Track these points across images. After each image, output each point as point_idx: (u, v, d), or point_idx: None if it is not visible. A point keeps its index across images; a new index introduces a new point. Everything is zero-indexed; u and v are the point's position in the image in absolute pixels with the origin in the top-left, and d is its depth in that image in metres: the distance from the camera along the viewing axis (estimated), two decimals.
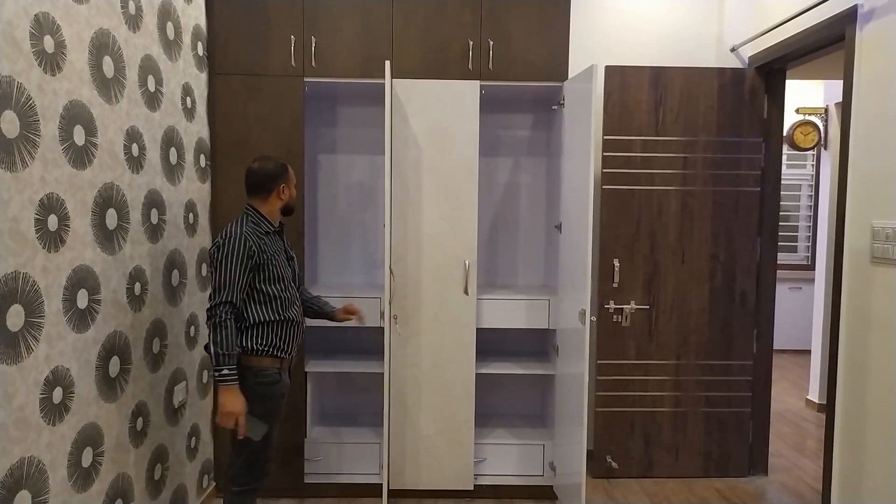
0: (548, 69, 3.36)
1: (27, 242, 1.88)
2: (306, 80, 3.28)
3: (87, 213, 2.20)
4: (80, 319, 2.15)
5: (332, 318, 2.84)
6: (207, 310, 2.34)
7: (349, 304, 2.90)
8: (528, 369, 3.53)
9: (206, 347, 2.33)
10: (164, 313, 2.79)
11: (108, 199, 2.32)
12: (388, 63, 3.02)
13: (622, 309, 3.60)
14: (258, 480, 2.51)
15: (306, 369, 3.36)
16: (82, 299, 2.16)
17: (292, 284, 2.57)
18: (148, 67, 2.65)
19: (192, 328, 3.09)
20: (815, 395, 4.98)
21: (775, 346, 3.80)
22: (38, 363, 1.93)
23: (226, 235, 2.37)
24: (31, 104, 1.89)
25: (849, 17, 2.77)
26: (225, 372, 2.29)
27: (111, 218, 2.35)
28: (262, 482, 2.54)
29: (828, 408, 2.91)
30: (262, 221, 2.48)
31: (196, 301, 3.13)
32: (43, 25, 1.95)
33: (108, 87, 2.34)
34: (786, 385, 5.60)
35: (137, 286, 2.55)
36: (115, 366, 2.38)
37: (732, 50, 3.72)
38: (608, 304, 3.59)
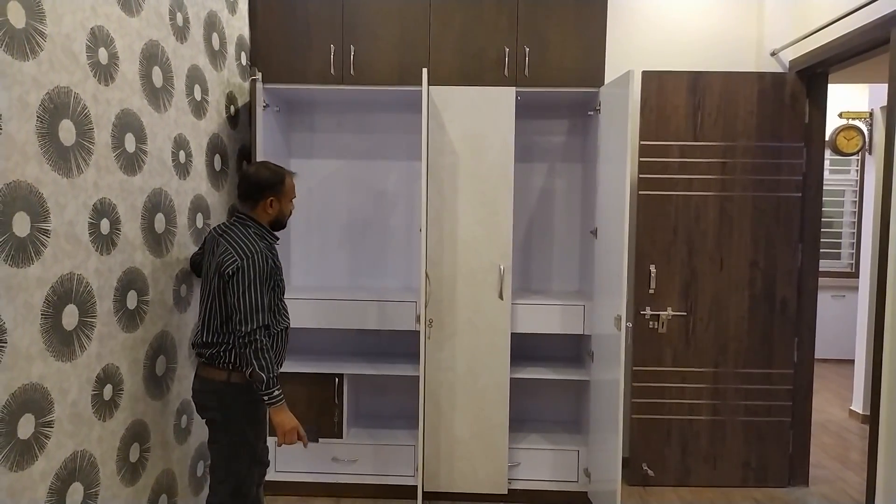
0: (584, 75, 3.37)
1: (81, 245, 1.97)
2: (342, 87, 3.34)
3: (137, 217, 2.29)
4: (130, 319, 2.24)
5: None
6: (241, 337, 2.17)
7: None
8: (562, 374, 3.52)
9: (251, 375, 2.18)
10: None
11: (156, 203, 2.42)
12: (425, 71, 3.06)
13: (658, 315, 3.57)
14: None
15: (342, 371, 3.41)
16: (132, 300, 2.25)
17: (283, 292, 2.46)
18: (195, 77, 2.74)
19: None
20: (858, 405, 4.86)
21: (818, 356, 3.72)
22: (90, 361, 2.01)
23: (243, 255, 2.20)
24: (86, 113, 1.99)
25: (893, 20, 2.72)
26: (276, 393, 2.20)
27: (159, 222, 2.44)
28: None
29: (871, 418, 2.85)
30: (265, 233, 2.36)
31: None
32: (98, 38, 2.05)
33: (158, 97, 2.43)
34: (828, 395, 5.47)
35: (183, 288, 2.64)
36: (161, 365, 2.47)
37: (772, 54, 3.67)
38: (644, 310, 3.57)
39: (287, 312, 2.47)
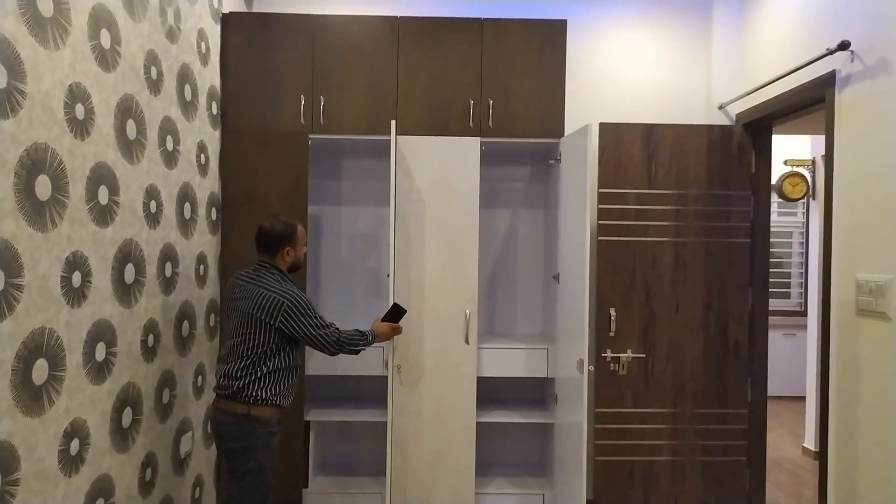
0: (545, 126, 3.52)
1: (53, 299, 1.97)
2: (313, 136, 3.42)
3: (108, 268, 2.30)
4: (98, 372, 2.23)
5: None
6: (329, 344, 2.57)
7: None
8: (527, 418, 3.59)
9: (357, 352, 2.69)
10: (174, 363, 2.86)
11: (127, 254, 2.43)
12: (393, 123, 3.16)
13: (619, 357, 3.68)
14: None
15: (307, 418, 3.41)
16: (100, 352, 2.24)
17: None
18: (167, 128, 2.78)
19: (200, 378, 3.15)
20: (811, 443, 5.03)
21: (771, 393, 3.86)
22: (58, 415, 2.00)
23: (288, 293, 2.50)
24: (62, 168, 2.01)
25: (828, 81, 2.94)
26: (370, 339, 2.73)
27: (129, 273, 2.45)
28: None
29: (820, 458, 2.97)
30: (287, 278, 2.63)
31: (204, 351, 3.20)
32: (76, 94, 2.09)
33: (131, 149, 2.47)
34: (782, 432, 5.64)
35: (151, 338, 2.64)
36: (127, 416, 2.45)
37: (720, 108, 3.90)
38: (605, 352, 3.68)
39: (299, 350, 2.69)
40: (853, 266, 2.76)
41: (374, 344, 2.79)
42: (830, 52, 2.86)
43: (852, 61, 2.79)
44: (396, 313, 2.90)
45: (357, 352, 2.69)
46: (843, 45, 2.79)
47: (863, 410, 2.69)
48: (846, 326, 2.79)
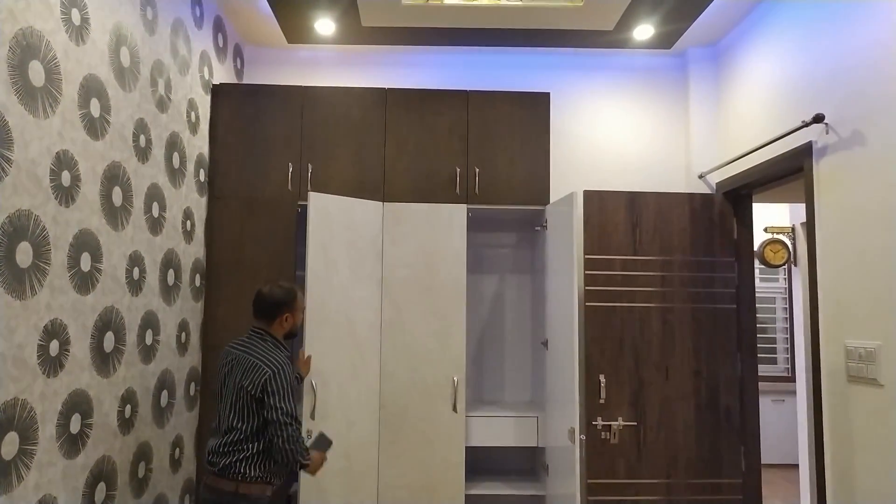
0: (531, 193, 3.57)
1: (28, 369, 1.91)
2: (301, 203, 3.43)
3: (87, 336, 2.24)
4: (72, 445, 2.14)
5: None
6: (285, 440, 2.32)
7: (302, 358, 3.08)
8: (518, 489, 3.48)
9: (297, 463, 2.39)
10: (151, 436, 2.76)
11: (107, 322, 2.38)
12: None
13: (610, 426, 3.61)
14: None
15: (293, 490, 3.28)
16: (75, 424, 2.16)
17: None
18: (153, 195, 2.78)
19: (178, 450, 3.04)
20: None
21: (763, 461, 3.79)
22: (27, 493, 1.90)
23: (276, 366, 2.37)
24: (44, 235, 1.99)
25: (805, 152, 3.03)
26: (307, 455, 2.44)
27: (109, 341, 2.39)
28: None
29: None
30: (280, 345, 2.52)
31: (182, 421, 3.10)
32: (62, 162, 2.09)
33: (116, 216, 2.45)
34: (777, 502, 5.51)
35: (128, 408, 2.55)
36: (100, 493, 2.33)
37: (700, 177, 3.99)
38: (595, 420, 3.61)
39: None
40: (841, 332, 2.76)
41: (307, 461, 2.46)
42: (806, 125, 2.95)
43: (827, 133, 2.88)
44: (323, 443, 2.62)
45: (292, 465, 2.41)
46: (818, 118, 2.88)
47: (860, 479, 2.63)
48: (837, 394, 2.77)
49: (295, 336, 2.65)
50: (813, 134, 2.96)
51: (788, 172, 3.30)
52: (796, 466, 5.17)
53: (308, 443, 2.57)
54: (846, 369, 2.70)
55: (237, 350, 2.46)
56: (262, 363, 2.37)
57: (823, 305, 2.90)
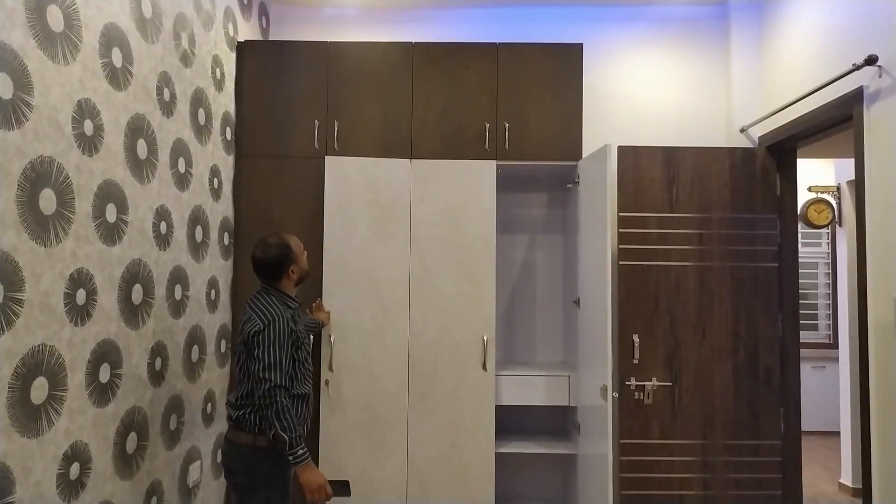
0: (562, 149, 3.46)
1: (55, 316, 1.92)
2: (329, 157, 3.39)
3: (115, 288, 2.24)
4: (102, 394, 2.16)
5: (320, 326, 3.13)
6: (260, 396, 2.24)
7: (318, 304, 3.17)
8: (548, 448, 3.44)
9: (275, 437, 2.23)
10: (182, 389, 2.79)
11: (135, 274, 2.38)
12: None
13: (644, 386, 3.53)
14: None
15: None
16: (104, 373, 2.18)
17: (309, 358, 2.56)
18: (179, 150, 2.76)
19: (210, 405, 3.07)
20: (847, 478, 4.78)
21: (802, 428, 3.68)
22: (57, 437, 1.92)
23: (267, 318, 2.31)
24: (68, 183, 1.98)
25: (855, 98, 2.86)
26: (300, 452, 2.24)
27: (137, 293, 2.40)
28: None
29: (864, 491, 2.79)
30: (288, 299, 2.47)
31: (214, 377, 3.12)
32: (84, 110, 2.07)
33: (141, 168, 2.44)
34: (817, 469, 5.38)
35: (158, 361, 2.57)
36: (132, 442, 2.36)
37: (742, 130, 3.82)
38: (629, 381, 3.53)
39: (310, 379, 2.53)
40: (890, 287, 2.63)
41: (298, 461, 2.25)
42: (857, 68, 2.78)
43: (881, 76, 2.71)
44: (341, 487, 2.51)
45: (277, 429, 2.22)
46: (871, 60, 2.71)
47: None
48: (885, 349, 2.64)
49: (308, 276, 2.62)
50: (864, 78, 2.79)
51: (836, 122, 3.13)
52: (837, 434, 5.03)
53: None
54: (895, 323, 2.56)
55: (248, 304, 2.44)
56: (257, 315, 2.33)
57: (872, 260, 2.76)
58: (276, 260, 2.45)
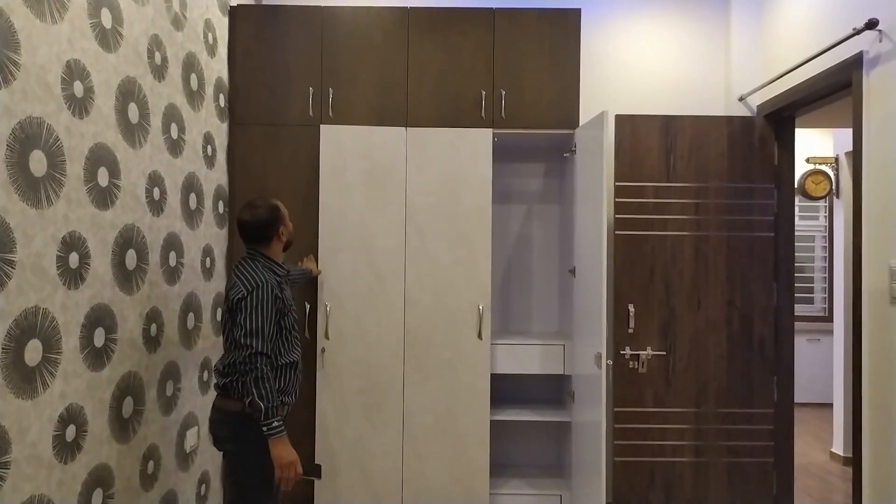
0: (559, 117, 3.43)
1: (48, 278, 1.91)
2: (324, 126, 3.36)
3: (108, 252, 2.23)
4: (97, 358, 2.16)
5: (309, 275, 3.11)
6: (240, 362, 2.21)
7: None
8: (543, 416, 3.47)
9: (251, 404, 2.19)
10: (178, 356, 2.79)
11: (128, 239, 2.37)
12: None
13: (638, 355, 3.55)
14: None
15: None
16: (99, 338, 2.18)
17: (296, 325, 2.53)
18: (171, 115, 2.73)
19: (206, 372, 3.08)
20: (839, 447, 4.83)
21: (796, 399, 3.71)
22: (52, 399, 1.93)
23: (252, 285, 2.26)
24: (58, 145, 1.96)
25: (855, 63, 2.83)
26: (275, 424, 2.20)
27: (130, 259, 2.39)
28: None
29: (854, 460, 2.82)
30: (275, 266, 2.42)
31: (210, 345, 3.13)
32: (74, 71, 2.04)
33: (133, 132, 2.41)
34: (808, 438, 5.44)
35: (154, 327, 2.57)
36: (128, 406, 2.37)
37: (740, 99, 3.79)
38: (624, 350, 3.55)
39: (298, 347, 2.50)
40: (886, 254, 2.63)
41: (272, 433, 2.20)
42: (857, 32, 2.75)
43: (881, 41, 2.68)
44: (313, 469, 2.48)
45: (255, 397, 2.18)
46: (871, 24, 2.68)
47: None
48: (879, 316, 2.65)
49: (291, 244, 2.58)
50: (864, 43, 2.76)
51: (835, 89, 3.10)
52: (830, 405, 5.07)
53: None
54: (890, 290, 2.57)
55: (233, 270, 2.40)
56: (241, 282, 2.29)
57: (867, 226, 2.76)
58: (265, 222, 2.41)
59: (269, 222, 2.42)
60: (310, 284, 3.29)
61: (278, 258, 2.48)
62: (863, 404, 2.77)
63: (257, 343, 2.21)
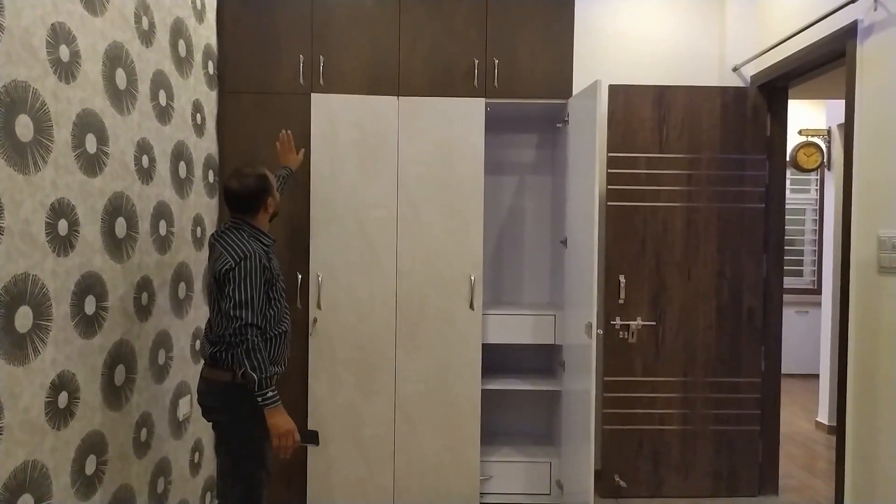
0: (552, 87, 3.41)
1: (37, 245, 1.90)
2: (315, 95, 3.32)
3: (97, 220, 2.22)
4: (87, 325, 2.16)
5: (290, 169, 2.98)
6: (231, 334, 2.20)
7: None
8: (534, 385, 3.51)
9: (244, 375, 2.18)
10: (170, 325, 2.79)
11: (117, 207, 2.35)
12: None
13: (628, 325, 3.59)
14: None
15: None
16: (90, 305, 2.17)
17: (284, 295, 2.51)
18: (159, 82, 2.70)
19: (199, 342, 3.08)
20: (824, 417, 4.92)
21: (783, 370, 3.77)
22: (44, 366, 1.93)
23: (239, 255, 2.23)
24: (45, 110, 1.93)
25: (849, 33, 2.82)
26: (269, 394, 2.18)
27: (120, 227, 2.37)
28: None
29: (838, 421, 2.88)
30: (262, 236, 2.39)
31: (202, 315, 3.13)
32: (59, 35, 2.00)
33: (121, 99, 2.38)
34: (795, 408, 5.54)
35: (145, 296, 2.56)
36: (120, 374, 2.38)
37: (734, 69, 3.77)
38: (614, 320, 3.58)
39: (287, 317, 2.48)
40: (874, 224, 2.65)
41: (267, 403, 2.20)
42: (852, 0, 2.73)
43: (875, 9, 2.67)
44: (310, 436, 2.45)
45: (247, 368, 2.17)
46: None
47: (883, 373, 2.59)
48: (867, 285, 2.68)
49: (276, 215, 2.52)
50: (859, 11, 2.75)
51: (829, 59, 3.10)
52: (817, 376, 5.15)
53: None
54: (877, 260, 2.60)
55: (214, 239, 2.38)
56: (227, 252, 2.25)
57: (857, 196, 2.78)
58: (253, 191, 2.36)
59: (257, 192, 2.38)
60: (301, 255, 3.29)
61: (265, 227, 2.45)
62: (848, 373, 2.81)
63: (247, 314, 2.19)
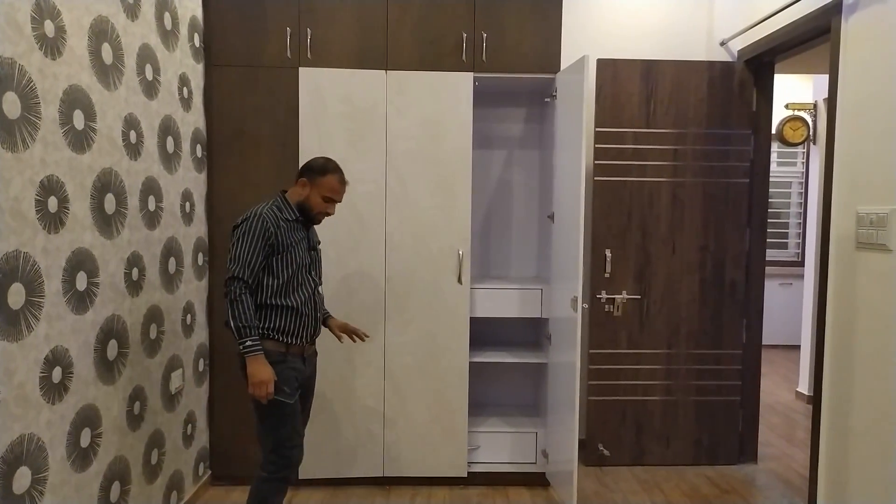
0: (540, 61, 3.41)
1: (28, 222, 1.91)
2: (303, 69, 3.30)
3: (87, 196, 2.23)
4: (80, 301, 2.18)
5: (327, 327, 2.79)
6: (230, 297, 2.30)
7: (346, 324, 2.82)
8: (521, 358, 3.57)
9: (226, 324, 2.31)
10: (161, 300, 2.82)
11: (106, 183, 2.36)
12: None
13: (614, 299, 3.65)
14: (286, 468, 2.44)
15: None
16: (81, 281, 2.19)
17: (309, 276, 2.53)
18: (146, 56, 2.68)
19: (189, 316, 3.11)
20: (804, 387, 5.05)
21: (766, 342, 3.85)
22: (38, 342, 1.96)
23: (247, 215, 2.40)
24: (32, 87, 1.92)
25: (835, 9, 2.83)
26: (248, 343, 2.28)
27: (109, 203, 2.38)
28: (290, 470, 2.46)
29: (814, 393, 2.96)
30: (286, 208, 2.49)
31: (192, 289, 3.15)
32: (43, 10, 1.98)
33: (107, 74, 2.37)
34: (776, 379, 5.67)
35: (135, 271, 2.58)
36: (112, 349, 2.41)
37: (722, 44, 3.78)
38: (600, 294, 3.64)
39: (301, 294, 2.47)
40: (854, 200, 2.70)
41: (246, 352, 2.29)
42: None
43: None
44: (286, 395, 2.44)
45: (228, 317, 2.30)
46: None
47: (859, 346, 2.66)
48: (845, 261, 2.74)
49: (310, 220, 2.55)
50: None
51: (815, 34, 3.12)
52: (799, 347, 5.26)
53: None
54: (856, 236, 2.66)
55: None
56: (246, 212, 2.43)
57: (839, 173, 2.82)
58: (306, 166, 2.56)
59: (307, 168, 2.55)
60: None
61: (292, 202, 2.52)
62: (825, 345, 2.89)
63: (235, 267, 2.33)
